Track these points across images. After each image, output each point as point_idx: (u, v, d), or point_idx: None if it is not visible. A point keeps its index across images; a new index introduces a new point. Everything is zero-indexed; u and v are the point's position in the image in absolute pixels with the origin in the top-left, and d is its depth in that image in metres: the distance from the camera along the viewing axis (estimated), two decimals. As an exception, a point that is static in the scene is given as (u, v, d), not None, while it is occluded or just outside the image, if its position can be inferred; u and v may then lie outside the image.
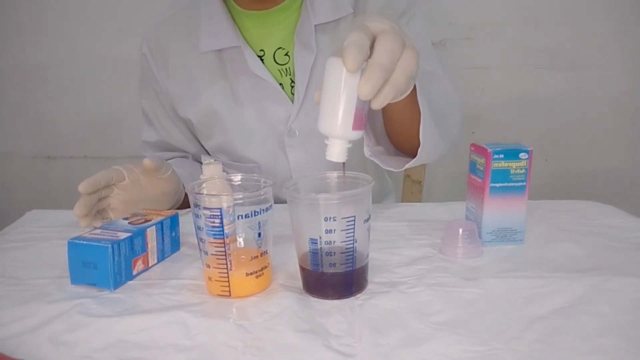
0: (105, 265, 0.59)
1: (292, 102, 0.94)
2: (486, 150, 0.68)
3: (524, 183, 0.69)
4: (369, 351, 0.48)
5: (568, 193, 1.24)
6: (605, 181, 1.46)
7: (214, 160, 0.70)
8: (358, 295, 0.58)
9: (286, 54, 0.94)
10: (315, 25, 0.91)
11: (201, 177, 0.68)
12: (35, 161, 1.56)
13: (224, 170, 0.73)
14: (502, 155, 0.68)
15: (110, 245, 0.59)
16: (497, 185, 0.69)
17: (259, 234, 0.58)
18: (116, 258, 0.59)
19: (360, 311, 0.55)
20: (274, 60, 0.94)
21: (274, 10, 0.93)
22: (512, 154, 0.68)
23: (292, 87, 0.94)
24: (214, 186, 0.64)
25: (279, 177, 0.95)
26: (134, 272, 0.63)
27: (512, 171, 0.68)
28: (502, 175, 0.68)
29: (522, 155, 0.68)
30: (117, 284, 0.60)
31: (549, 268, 0.64)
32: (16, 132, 1.54)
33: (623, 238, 0.73)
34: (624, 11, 1.37)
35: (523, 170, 0.68)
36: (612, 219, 0.80)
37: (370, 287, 0.60)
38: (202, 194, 0.58)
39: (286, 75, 0.95)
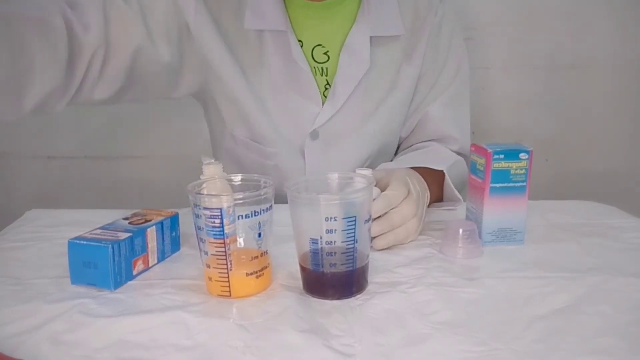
0: (105, 265, 0.59)
1: (323, 103, 0.91)
2: (486, 150, 0.68)
3: (524, 183, 0.69)
4: (369, 351, 0.48)
5: (568, 193, 1.24)
6: (605, 181, 1.46)
7: (214, 160, 0.70)
8: (358, 296, 0.58)
9: (325, 53, 0.90)
10: (370, 37, 0.89)
11: (201, 177, 0.68)
12: (35, 161, 1.56)
13: (223, 170, 0.73)
14: (502, 156, 0.68)
15: (110, 245, 0.59)
16: (497, 185, 0.69)
17: (259, 234, 0.58)
18: (116, 258, 0.59)
19: (360, 311, 0.55)
20: (312, 56, 0.90)
21: (325, 3, 0.88)
22: (512, 154, 0.68)
23: (327, 89, 0.91)
24: (214, 186, 0.64)
25: (292, 175, 0.92)
26: (134, 272, 0.63)
27: (512, 171, 0.68)
28: (503, 175, 0.68)
29: (523, 155, 0.68)
30: (117, 284, 0.60)
31: (549, 268, 0.64)
32: (16, 132, 1.54)
33: (623, 238, 0.73)
34: (624, 11, 1.36)
35: (523, 171, 0.68)
36: (612, 219, 0.80)
37: (370, 287, 0.60)
38: (203, 194, 0.58)
39: (321, 75, 0.91)
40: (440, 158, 0.89)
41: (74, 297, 0.58)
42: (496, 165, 0.68)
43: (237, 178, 0.64)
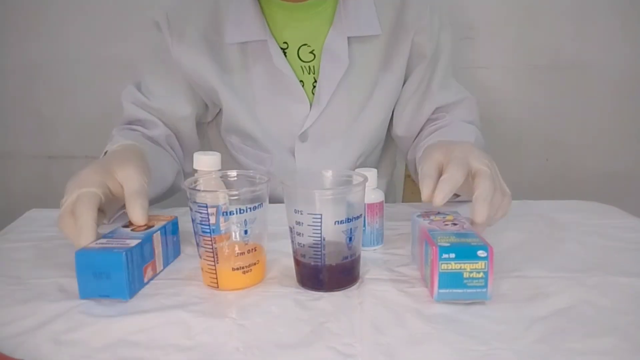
0: (120, 274, 0.56)
1: (311, 102, 0.93)
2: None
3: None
4: (370, 351, 0.48)
5: (568, 193, 1.23)
6: (605, 181, 1.46)
7: (210, 152, 0.69)
8: (359, 295, 0.58)
9: (311, 52, 0.92)
10: (348, 37, 0.91)
11: (197, 173, 0.68)
12: (35, 161, 1.56)
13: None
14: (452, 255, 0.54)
15: (124, 253, 0.56)
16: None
17: (246, 231, 0.59)
18: (129, 266, 0.57)
19: (361, 311, 0.55)
20: (298, 56, 0.92)
21: (306, 4, 0.91)
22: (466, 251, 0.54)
23: (314, 86, 0.93)
24: (209, 182, 0.64)
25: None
26: (145, 280, 0.61)
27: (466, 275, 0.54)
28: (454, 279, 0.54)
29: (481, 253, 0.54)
30: (133, 293, 0.58)
31: (549, 268, 0.64)
32: (17, 132, 1.54)
33: (623, 238, 0.73)
34: (624, 11, 1.36)
35: (481, 274, 0.54)
36: (612, 219, 0.80)
37: (370, 286, 0.60)
38: (195, 189, 0.59)
39: (309, 74, 0.93)
40: (465, 133, 0.89)
41: (74, 297, 0.58)
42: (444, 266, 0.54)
43: (233, 174, 0.64)
